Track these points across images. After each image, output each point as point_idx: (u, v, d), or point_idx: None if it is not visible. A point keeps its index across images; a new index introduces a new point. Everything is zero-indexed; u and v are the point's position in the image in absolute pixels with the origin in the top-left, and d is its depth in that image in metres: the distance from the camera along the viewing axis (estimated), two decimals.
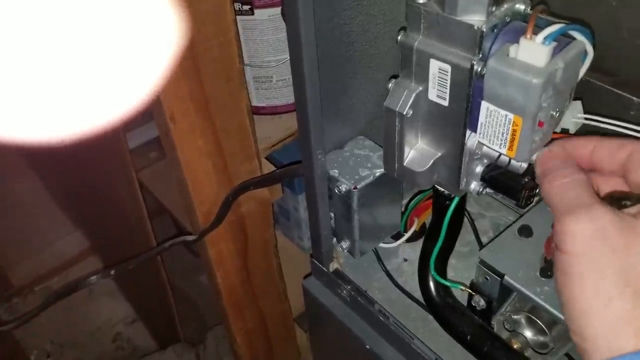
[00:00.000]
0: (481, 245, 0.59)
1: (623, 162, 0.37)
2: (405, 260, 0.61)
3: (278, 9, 0.72)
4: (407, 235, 0.59)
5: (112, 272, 0.78)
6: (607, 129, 0.43)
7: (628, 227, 0.32)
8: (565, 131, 0.43)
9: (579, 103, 0.43)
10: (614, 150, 0.37)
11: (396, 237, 0.60)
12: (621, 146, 0.37)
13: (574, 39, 0.36)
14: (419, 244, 0.58)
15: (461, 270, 0.58)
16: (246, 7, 0.72)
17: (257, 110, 0.80)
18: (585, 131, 0.43)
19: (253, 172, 0.76)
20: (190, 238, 0.75)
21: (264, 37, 0.74)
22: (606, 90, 0.51)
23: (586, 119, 0.43)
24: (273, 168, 0.79)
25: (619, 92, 0.51)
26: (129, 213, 1.05)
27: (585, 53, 0.36)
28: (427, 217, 0.60)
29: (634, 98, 0.50)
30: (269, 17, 0.73)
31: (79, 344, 1.45)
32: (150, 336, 1.46)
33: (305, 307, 0.66)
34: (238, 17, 0.70)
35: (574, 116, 0.42)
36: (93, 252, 1.53)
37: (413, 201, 0.60)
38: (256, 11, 0.72)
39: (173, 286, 1.22)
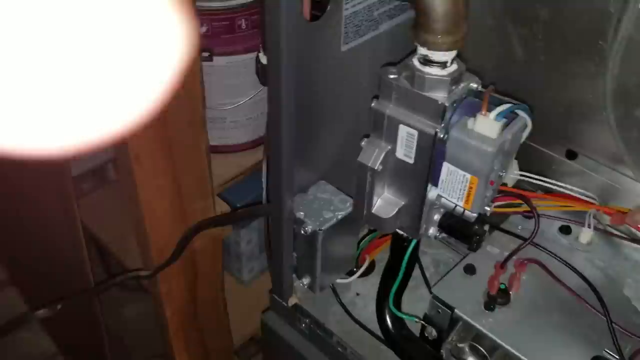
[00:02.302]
0: (426, 280, 0.66)
1: None
2: (358, 294, 0.66)
3: (236, 57, 0.77)
4: (360, 271, 0.65)
5: (59, 307, 0.77)
6: (536, 184, 0.52)
7: None
8: (504, 185, 0.52)
9: (515, 162, 0.51)
10: None
11: (349, 273, 0.66)
12: None
13: (517, 115, 0.44)
14: (368, 279, 0.65)
15: (407, 303, 0.64)
16: (205, 54, 0.76)
17: (210, 149, 0.83)
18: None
19: (207, 209, 0.79)
20: (144, 273, 0.77)
21: (221, 82, 0.78)
22: (533, 148, 0.61)
23: (521, 175, 0.51)
24: (225, 205, 0.83)
25: (544, 149, 0.60)
26: (65, 249, 1.02)
27: (526, 126, 0.44)
28: (376, 255, 0.66)
29: (555, 155, 0.60)
30: (226, 64, 0.77)
31: None
32: None
33: (264, 340, 0.69)
34: None
35: (512, 173, 0.51)
36: (12, 282, 1.45)
37: (364, 240, 0.66)
38: (215, 58, 0.76)
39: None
